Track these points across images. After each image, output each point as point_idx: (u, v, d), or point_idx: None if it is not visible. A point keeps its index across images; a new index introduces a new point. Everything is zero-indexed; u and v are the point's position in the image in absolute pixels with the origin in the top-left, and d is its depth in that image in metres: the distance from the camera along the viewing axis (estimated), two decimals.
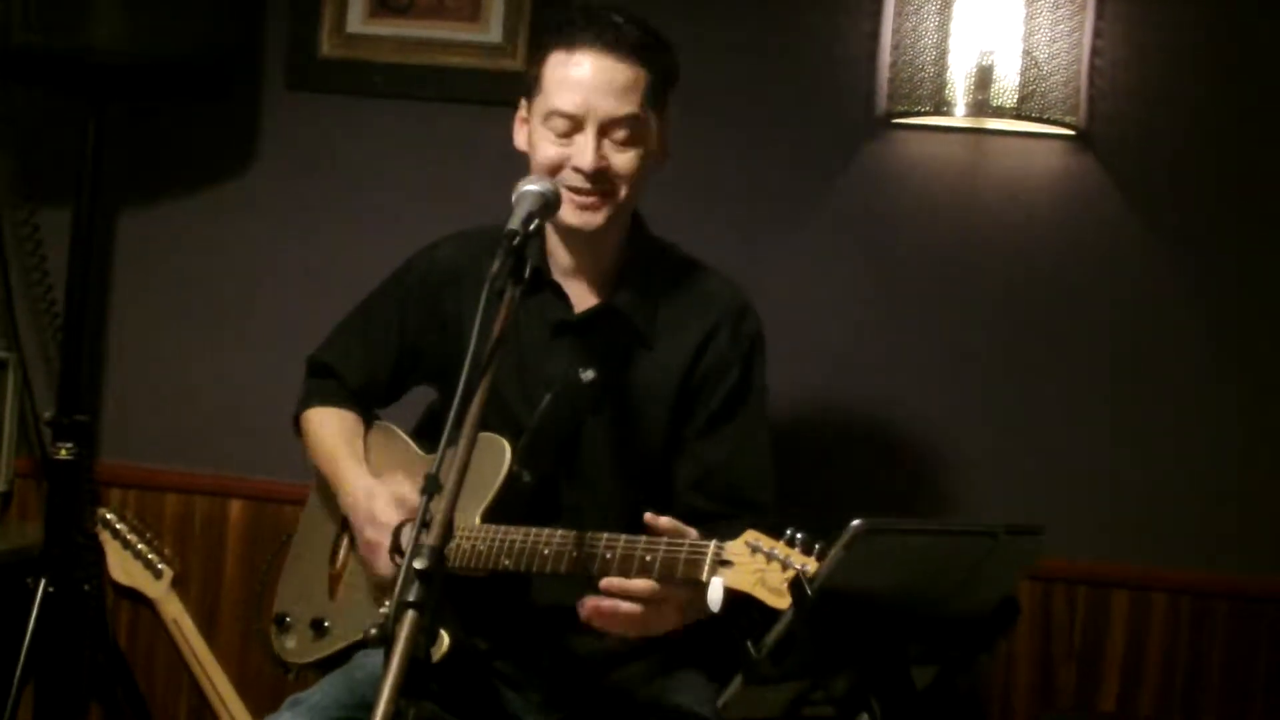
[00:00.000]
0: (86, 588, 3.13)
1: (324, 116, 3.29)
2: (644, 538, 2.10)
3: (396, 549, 2.21)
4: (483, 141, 3.15)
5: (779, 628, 1.81)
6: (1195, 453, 3.07)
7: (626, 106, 2.28)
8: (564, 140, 2.29)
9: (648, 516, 2.08)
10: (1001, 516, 2.72)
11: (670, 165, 2.41)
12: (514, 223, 2.03)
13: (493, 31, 3.21)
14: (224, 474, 3.31)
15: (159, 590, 3.28)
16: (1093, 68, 3.03)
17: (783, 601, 1.93)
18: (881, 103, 3.09)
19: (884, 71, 3.07)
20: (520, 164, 2.35)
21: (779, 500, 2.41)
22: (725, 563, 2.02)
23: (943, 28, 2.95)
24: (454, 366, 1.99)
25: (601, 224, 2.31)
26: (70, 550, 3.11)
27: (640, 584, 2.07)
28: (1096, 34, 3.03)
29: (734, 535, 2.03)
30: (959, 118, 3.00)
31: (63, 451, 3.10)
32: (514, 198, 2.11)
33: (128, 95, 3.17)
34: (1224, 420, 3.06)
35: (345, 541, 2.48)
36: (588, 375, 2.36)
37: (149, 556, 3.27)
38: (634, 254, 2.41)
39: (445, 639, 2.15)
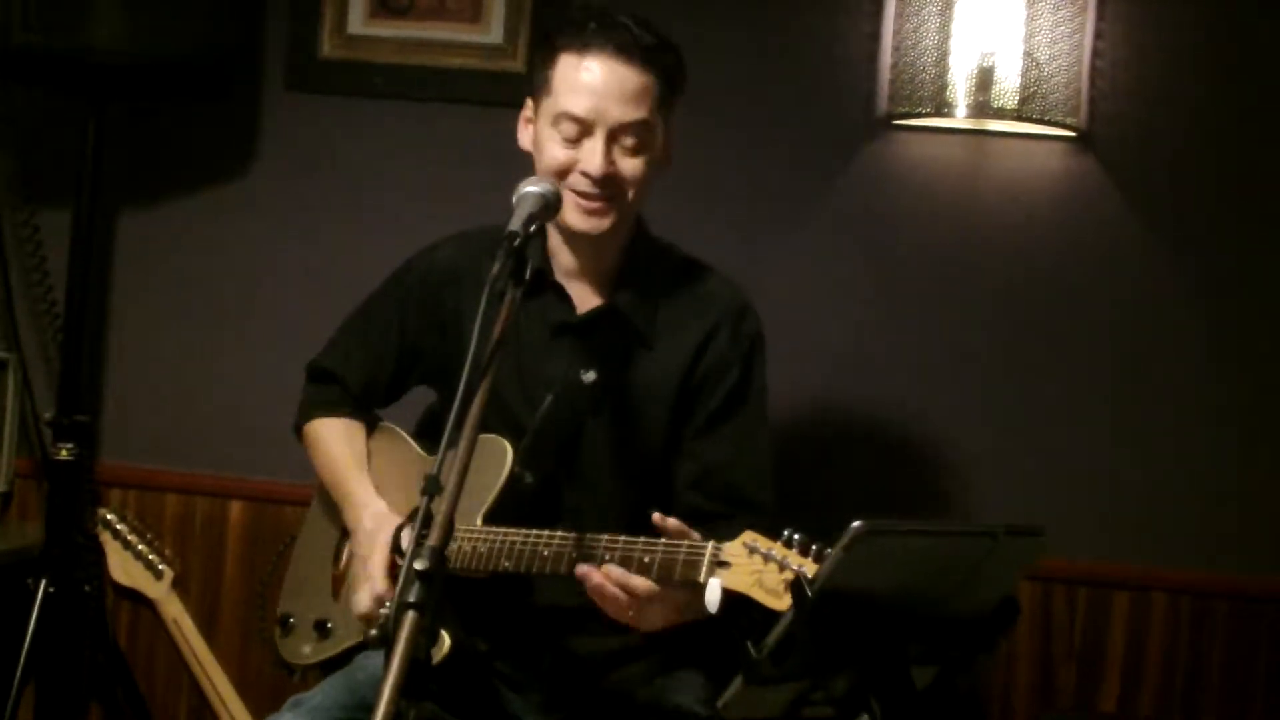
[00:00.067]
0: (87, 588, 3.13)
1: (324, 117, 3.28)
2: (642, 539, 2.10)
3: (397, 549, 2.21)
4: (483, 142, 3.15)
5: (779, 628, 1.81)
6: (1195, 453, 3.07)
7: (638, 113, 2.28)
8: (572, 144, 2.28)
9: (656, 517, 2.09)
10: (1001, 516, 2.72)
11: (671, 162, 2.41)
12: (515, 224, 2.03)
13: (493, 33, 3.21)
14: (224, 475, 3.31)
15: (159, 591, 3.28)
16: (1093, 69, 3.03)
17: (780, 602, 1.93)
18: (882, 104, 3.09)
19: (884, 73, 3.07)
20: (520, 165, 2.35)
21: (779, 500, 2.41)
22: (723, 564, 2.02)
23: (943, 29, 2.95)
24: (454, 367, 1.99)
25: (607, 229, 2.31)
26: (70, 551, 3.11)
27: (641, 583, 2.08)
28: (1097, 35, 3.03)
29: (733, 536, 2.03)
30: (960, 119, 3.00)
31: (63, 452, 3.10)
32: (514, 199, 2.10)
33: (128, 95, 3.17)
34: (1224, 420, 3.06)
35: (349, 543, 2.48)
36: (588, 376, 2.36)
37: (149, 557, 3.27)
38: (635, 255, 2.41)
39: (446, 640, 2.15)
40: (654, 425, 2.38)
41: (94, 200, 3.12)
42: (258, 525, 3.30)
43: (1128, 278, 3.08)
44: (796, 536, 1.97)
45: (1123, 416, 3.08)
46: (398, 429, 2.53)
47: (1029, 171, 3.08)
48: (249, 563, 3.29)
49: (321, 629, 2.44)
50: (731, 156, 3.16)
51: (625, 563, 2.09)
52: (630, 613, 2.11)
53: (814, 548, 1.94)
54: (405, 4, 3.24)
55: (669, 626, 2.16)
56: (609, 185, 2.28)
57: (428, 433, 2.53)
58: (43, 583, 3.05)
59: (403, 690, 1.68)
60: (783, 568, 1.95)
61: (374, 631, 2.20)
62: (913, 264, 3.13)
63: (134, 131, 3.28)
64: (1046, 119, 2.96)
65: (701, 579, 2.02)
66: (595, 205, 2.29)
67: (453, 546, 1.98)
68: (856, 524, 1.75)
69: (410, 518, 1.81)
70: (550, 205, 2.12)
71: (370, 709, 1.67)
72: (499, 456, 2.27)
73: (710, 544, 2.04)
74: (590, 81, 2.26)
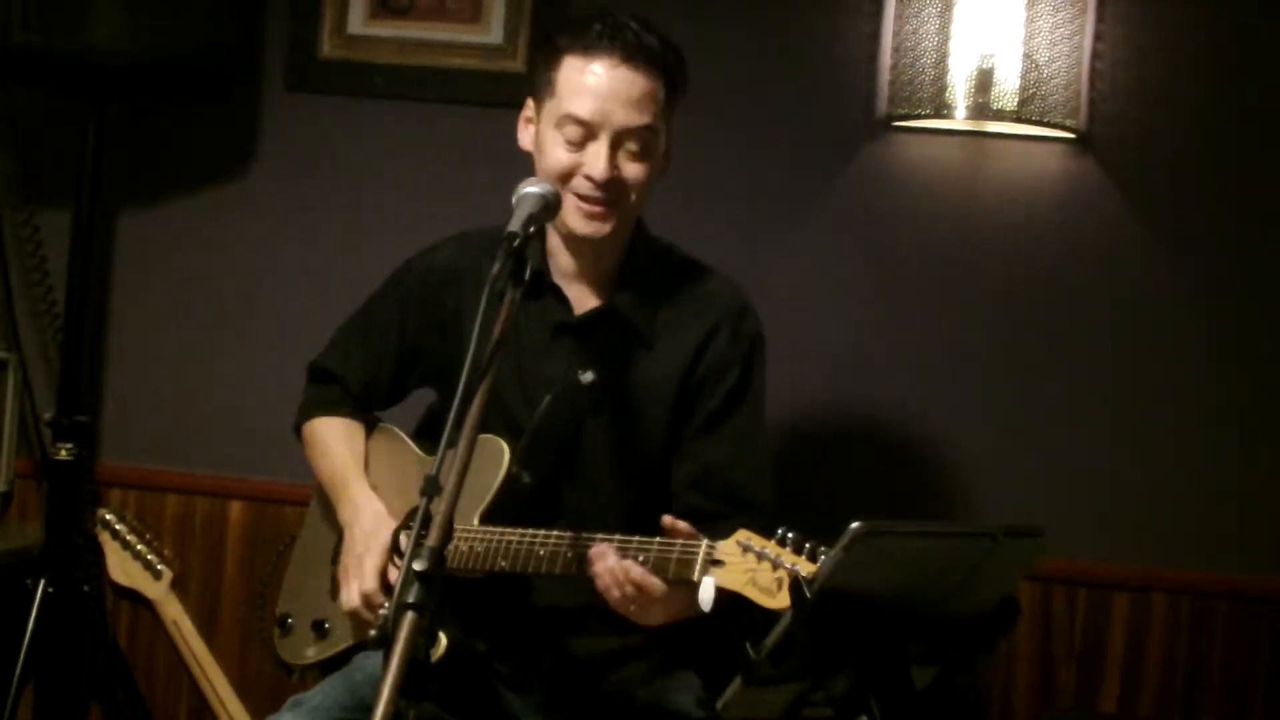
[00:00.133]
0: (86, 588, 3.13)
1: (324, 117, 3.28)
2: (637, 537, 2.11)
3: (396, 551, 2.21)
4: (483, 142, 3.15)
5: (778, 629, 1.81)
6: (1195, 453, 3.07)
7: (643, 117, 2.27)
8: (576, 147, 2.27)
9: (666, 520, 2.09)
10: (1001, 516, 2.73)
11: (670, 165, 2.41)
12: (514, 225, 2.02)
13: (493, 33, 3.21)
14: (224, 475, 3.31)
15: (159, 591, 3.28)
16: (1093, 70, 3.03)
17: (773, 600, 1.94)
18: (882, 105, 3.09)
19: (884, 74, 3.07)
20: (520, 165, 2.35)
21: (779, 500, 2.41)
22: (717, 562, 2.03)
23: (943, 30, 2.95)
24: (454, 368, 1.99)
25: (609, 232, 2.31)
26: (70, 551, 3.11)
27: (656, 583, 2.08)
28: (1097, 36, 3.02)
29: (728, 535, 2.04)
30: (959, 120, 3.00)
31: (63, 452, 3.10)
32: (514, 200, 2.10)
33: (128, 95, 3.17)
34: (1224, 420, 3.06)
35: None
36: (587, 377, 2.36)
37: (149, 557, 3.27)
38: (634, 255, 2.40)
39: (443, 640, 2.15)
40: (654, 425, 2.38)
41: (94, 200, 3.12)
42: (257, 525, 3.30)
43: (1128, 278, 3.08)
44: (790, 535, 1.98)
45: (1123, 416, 3.08)
46: (397, 430, 2.53)
47: (1028, 173, 3.08)
48: (249, 563, 3.29)
49: (320, 629, 2.44)
50: (731, 156, 3.16)
51: None
52: (632, 607, 2.11)
53: (808, 546, 1.95)
54: (405, 4, 3.24)
55: (668, 622, 2.17)
56: (612, 189, 2.27)
57: (428, 433, 2.53)
58: (42, 583, 3.05)
59: (402, 690, 1.68)
60: (776, 566, 1.96)
61: (373, 632, 2.20)
62: (913, 264, 3.13)
63: (134, 131, 3.28)
64: (1046, 120, 2.95)
65: (696, 577, 2.03)
66: (597, 209, 2.28)
67: (450, 547, 1.98)
68: (856, 524, 1.75)
69: (408, 519, 1.81)
70: (550, 206, 2.12)
71: (369, 709, 1.67)
72: (496, 457, 2.27)
73: (704, 542, 2.05)
74: (595, 85, 2.25)
